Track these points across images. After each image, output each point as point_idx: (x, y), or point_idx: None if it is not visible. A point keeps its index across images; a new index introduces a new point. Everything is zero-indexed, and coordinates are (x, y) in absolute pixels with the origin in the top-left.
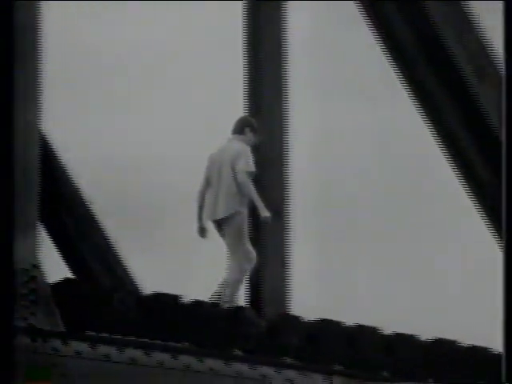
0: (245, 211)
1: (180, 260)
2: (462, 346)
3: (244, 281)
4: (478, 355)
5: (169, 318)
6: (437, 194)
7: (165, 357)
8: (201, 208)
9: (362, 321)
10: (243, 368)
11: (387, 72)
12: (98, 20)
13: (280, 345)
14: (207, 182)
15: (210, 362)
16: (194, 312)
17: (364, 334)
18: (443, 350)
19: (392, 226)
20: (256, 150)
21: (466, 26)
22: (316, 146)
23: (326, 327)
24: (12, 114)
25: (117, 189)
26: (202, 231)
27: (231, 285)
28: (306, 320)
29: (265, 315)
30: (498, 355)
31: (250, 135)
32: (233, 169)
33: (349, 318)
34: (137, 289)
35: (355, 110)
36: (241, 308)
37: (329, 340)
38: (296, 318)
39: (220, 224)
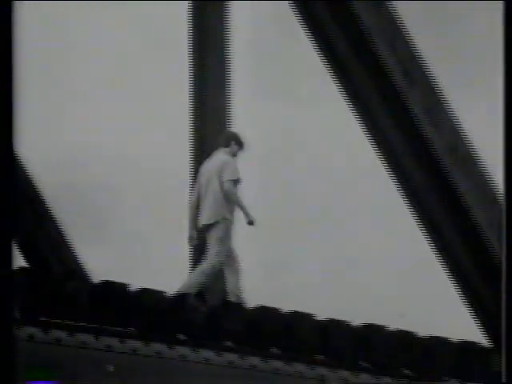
0: (231, 218)
1: (129, 251)
2: (391, 331)
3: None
4: (405, 339)
5: (117, 304)
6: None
7: (113, 341)
8: (192, 219)
9: (300, 307)
10: (187, 351)
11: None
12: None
13: (221, 330)
14: (198, 195)
15: (156, 346)
16: (140, 299)
17: (300, 320)
18: (373, 334)
19: (327, 219)
20: (201, 146)
21: (397, 32)
22: (256, 145)
23: (265, 314)
24: (12, 114)
25: (68, 182)
26: (191, 239)
27: (200, 276)
28: (245, 307)
29: (207, 302)
30: (424, 338)
31: (234, 148)
32: (219, 178)
33: (288, 305)
34: (88, 277)
35: (290, 110)
36: (185, 295)
37: (267, 325)
38: (236, 305)
39: (208, 229)
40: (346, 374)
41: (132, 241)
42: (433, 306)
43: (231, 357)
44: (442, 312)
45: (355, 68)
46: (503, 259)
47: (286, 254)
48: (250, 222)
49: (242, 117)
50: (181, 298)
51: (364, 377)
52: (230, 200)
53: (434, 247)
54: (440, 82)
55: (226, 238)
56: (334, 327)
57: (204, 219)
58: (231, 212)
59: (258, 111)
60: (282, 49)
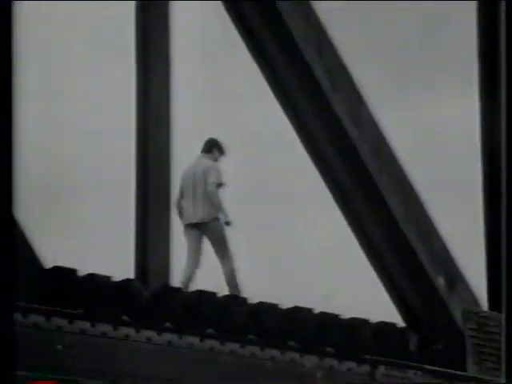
0: (219, 217)
1: (79, 238)
2: (316, 313)
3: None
4: (328, 320)
5: (67, 288)
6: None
7: (63, 322)
8: (179, 214)
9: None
10: (131, 331)
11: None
12: None
13: (161, 312)
14: (181, 193)
15: (102, 327)
16: (88, 283)
17: (233, 303)
18: (300, 315)
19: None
20: (143, 147)
21: (322, 36)
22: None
23: (202, 297)
24: (12, 113)
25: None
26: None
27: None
28: (184, 291)
29: (149, 286)
30: (346, 319)
31: (216, 154)
32: (205, 181)
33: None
34: (40, 262)
35: (225, 111)
36: (128, 280)
37: (204, 308)
38: (176, 289)
39: (198, 227)
40: (274, 352)
41: (82, 227)
42: (354, 289)
43: (170, 336)
44: (362, 295)
45: (283, 70)
46: (503, 259)
47: None
48: (228, 223)
49: (183, 117)
50: (125, 282)
51: (291, 354)
52: (212, 201)
53: (357, 238)
54: (363, 86)
55: (224, 234)
56: (265, 309)
57: (190, 217)
58: (218, 212)
59: (199, 111)
60: (222, 49)
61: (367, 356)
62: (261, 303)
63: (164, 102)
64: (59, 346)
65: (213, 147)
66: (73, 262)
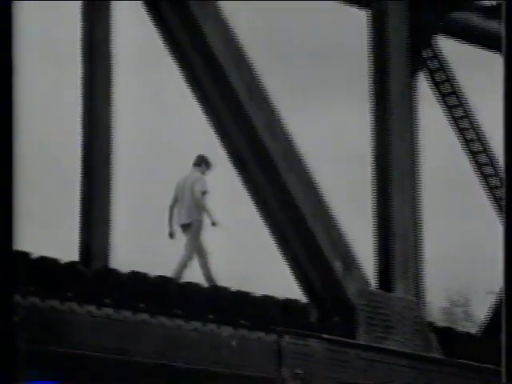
0: (202, 219)
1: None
2: (233, 291)
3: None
4: (244, 298)
5: (21, 269)
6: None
7: (17, 298)
8: (170, 218)
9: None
10: (75, 306)
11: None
12: None
13: (101, 289)
14: (175, 200)
15: (51, 302)
16: (39, 265)
17: (163, 282)
18: (219, 294)
19: None
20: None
21: (241, 56)
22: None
23: (136, 277)
24: (12, 114)
25: None
26: (171, 234)
27: (182, 265)
28: (121, 272)
29: (92, 268)
30: (257, 297)
31: (204, 168)
32: (192, 190)
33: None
34: None
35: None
36: (73, 262)
37: (137, 286)
38: (114, 270)
39: (185, 227)
40: (197, 324)
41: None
42: (265, 270)
43: (108, 310)
44: (272, 277)
45: (202, 75)
46: (503, 260)
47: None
48: (214, 223)
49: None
50: (70, 264)
51: (210, 326)
52: (199, 206)
53: (270, 230)
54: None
55: (198, 234)
56: (189, 288)
57: (182, 219)
58: (202, 215)
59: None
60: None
61: (274, 327)
62: (187, 283)
63: (107, 111)
64: (15, 318)
65: (201, 162)
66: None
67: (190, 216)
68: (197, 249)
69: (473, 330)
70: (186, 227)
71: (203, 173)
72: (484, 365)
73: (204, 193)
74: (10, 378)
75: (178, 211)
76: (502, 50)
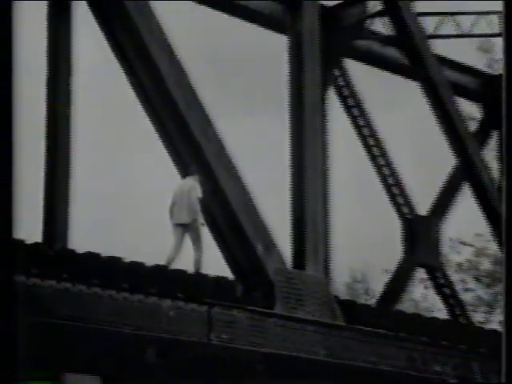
0: (198, 219)
1: None
2: (172, 269)
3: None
4: (181, 275)
5: None
6: None
7: None
8: (170, 216)
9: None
10: (38, 281)
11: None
12: None
13: (61, 266)
14: (173, 203)
15: (18, 278)
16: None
17: (112, 262)
18: (160, 271)
19: None
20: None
21: (182, 72)
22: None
23: (90, 257)
24: (12, 114)
25: None
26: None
27: (198, 262)
28: (78, 252)
29: (54, 248)
30: (191, 274)
31: (197, 177)
32: (189, 195)
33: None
34: None
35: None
36: (37, 243)
37: (91, 265)
38: (72, 251)
39: (185, 226)
40: (141, 296)
41: None
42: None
43: (66, 284)
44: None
45: (143, 78)
46: (503, 260)
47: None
48: (203, 224)
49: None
50: (35, 244)
51: (152, 298)
52: (193, 209)
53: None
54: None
55: (200, 232)
56: (134, 266)
57: (182, 219)
58: (197, 216)
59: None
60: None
61: (206, 300)
62: (132, 262)
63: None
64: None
65: (195, 172)
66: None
67: (190, 217)
68: (195, 245)
69: (370, 302)
70: (186, 226)
71: (197, 180)
72: (378, 330)
73: (199, 198)
74: (10, 377)
75: (176, 212)
76: (503, 50)
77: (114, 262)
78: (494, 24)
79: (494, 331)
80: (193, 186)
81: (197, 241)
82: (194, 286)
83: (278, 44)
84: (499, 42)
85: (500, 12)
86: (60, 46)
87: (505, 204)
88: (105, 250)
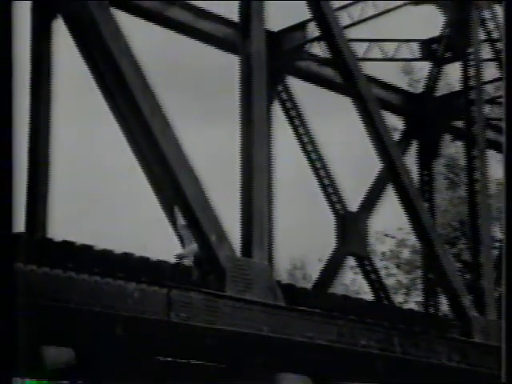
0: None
1: None
2: (136, 257)
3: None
4: (144, 261)
5: None
6: None
7: None
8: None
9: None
10: (21, 266)
11: None
12: None
13: (41, 253)
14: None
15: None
16: None
17: (86, 248)
18: (125, 258)
19: None
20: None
21: (146, 82)
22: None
23: (65, 244)
24: (12, 113)
25: None
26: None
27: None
28: (55, 240)
29: (35, 237)
30: (153, 261)
31: None
32: None
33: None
34: None
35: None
36: (20, 233)
37: (67, 251)
38: (50, 239)
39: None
40: (110, 280)
41: None
42: (161, 242)
43: (46, 269)
44: (166, 244)
45: (120, 100)
46: (503, 260)
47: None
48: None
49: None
50: (17, 234)
51: (119, 282)
52: None
53: (164, 212)
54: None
55: None
56: (103, 253)
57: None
58: None
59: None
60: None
61: (166, 283)
62: (103, 249)
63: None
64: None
65: None
66: None
67: None
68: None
69: (307, 286)
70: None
71: None
72: (314, 310)
73: None
74: (10, 377)
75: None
76: (503, 50)
77: (87, 249)
78: (414, 50)
79: (411, 310)
80: None
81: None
82: (155, 271)
83: (230, 63)
84: (418, 65)
85: (419, 40)
86: (43, 63)
87: (505, 205)
88: (81, 237)
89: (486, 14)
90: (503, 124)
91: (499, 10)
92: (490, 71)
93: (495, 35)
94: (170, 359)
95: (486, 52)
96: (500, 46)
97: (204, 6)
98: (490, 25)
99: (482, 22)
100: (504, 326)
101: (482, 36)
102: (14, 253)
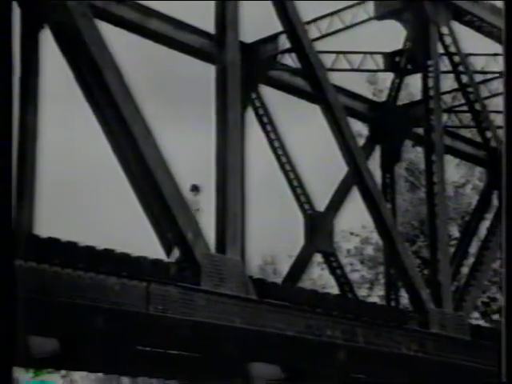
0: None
1: None
2: (117, 252)
3: None
4: (123, 257)
5: None
6: None
7: None
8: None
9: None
10: None
11: None
12: None
13: (27, 248)
14: None
15: None
16: None
17: (72, 245)
18: (106, 254)
19: None
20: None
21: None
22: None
23: (51, 240)
24: (12, 114)
25: None
26: None
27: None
28: (41, 236)
29: (22, 233)
30: (133, 256)
31: (195, 192)
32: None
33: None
34: None
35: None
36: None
37: (52, 247)
38: (36, 235)
39: None
40: (92, 274)
41: None
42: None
43: (32, 264)
44: (148, 243)
45: (106, 109)
46: (503, 260)
47: None
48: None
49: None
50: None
51: (101, 276)
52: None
53: (144, 211)
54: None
55: None
56: (85, 249)
57: None
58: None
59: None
60: None
61: (145, 277)
62: (87, 246)
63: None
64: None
65: (194, 189)
66: None
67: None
68: None
69: (278, 281)
70: None
71: (195, 195)
72: (284, 303)
73: (198, 209)
74: (11, 372)
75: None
76: (503, 49)
77: (71, 245)
78: (378, 62)
79: (374, 303)
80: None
81: None
82: (135, 266)
83: (207, 71)
84: (382, 76)
85: (382, 52)
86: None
87: (505, 205)
88: (66, 234)
89: (444, 30)
90: (503, 124)
91: (455, 26)
92: (448, 82)
93: (452, 49)
94: (148, 349)
95: (444, 65)
96: (457, 59)
97: (182, 18)
98: (448, 39)
99: (441, 36)
100: (504, 326)
101: (441, 50)
102: (15, 250)
